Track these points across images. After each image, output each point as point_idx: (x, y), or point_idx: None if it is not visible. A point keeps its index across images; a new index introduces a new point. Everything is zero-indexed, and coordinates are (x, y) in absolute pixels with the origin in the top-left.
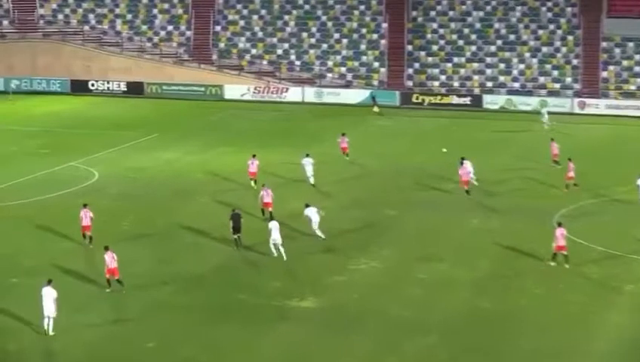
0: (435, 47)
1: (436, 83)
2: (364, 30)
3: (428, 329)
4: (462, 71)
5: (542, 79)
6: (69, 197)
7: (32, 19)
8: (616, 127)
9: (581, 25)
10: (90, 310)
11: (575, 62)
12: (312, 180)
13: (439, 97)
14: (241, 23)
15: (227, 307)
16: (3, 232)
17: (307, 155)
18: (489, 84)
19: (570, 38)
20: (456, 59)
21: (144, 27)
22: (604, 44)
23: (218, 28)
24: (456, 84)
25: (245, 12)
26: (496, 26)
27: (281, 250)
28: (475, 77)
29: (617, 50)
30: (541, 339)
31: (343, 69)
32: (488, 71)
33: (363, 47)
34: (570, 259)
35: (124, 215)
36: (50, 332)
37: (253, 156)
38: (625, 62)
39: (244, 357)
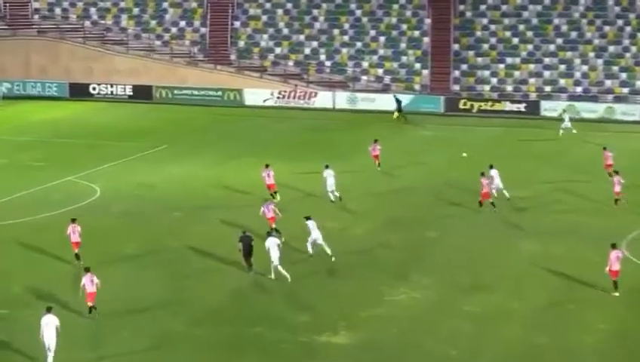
0: (485, 46)
1: (487, 87)
2: (404, 26)
3: None
4: (516, 73)
5: (608, 83)
6: (66, 216)
7: (26, 13)
8: None
9: None
10: (93, 342)
11: None
12: (332, 196)
13: (490, 103)
14: (264, 18)
15: (243, 342)
16: None
17: (327, 166)
18: (547, 88)
19: None
20: (509, 60)
21: (153, 23)
22: None
23: (237, 24)
24: (509, 88)
25: (268, 5)
26: (556, 21)
27: (281, 271)
28: (532, 80)
29: None
30: None
31: (380, 71)
32: (546, 73)
33: (403, 45)
34: (620, 285)
35: (128, 236)
36: None
37: (267, 166)
38: None
39: None
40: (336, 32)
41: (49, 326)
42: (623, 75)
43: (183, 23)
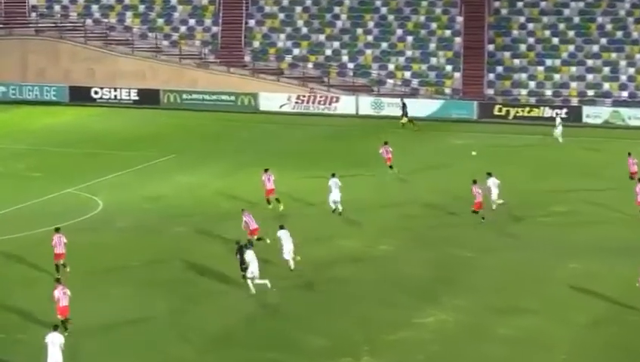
0: (522, 47)
1: (524, 91)
2: (433, 25)
3: None
4: (556, 76)
5: None
6: (66, 232)
7: (23, 11)
8: None
9: None
10: None
11: None
12: (332, 206)
13: (527, 109)
14: (281, 16)
15: None
16: None
17: (333, 175)
18: (590, 92)
19: None
20: (549, 62)
21: (160, 21)
22: None
23: (252, 22)
24: (548, 92)
25: (286, 2)
26: (600, 20)
27: (260, 282)
28: (573, 84)
29: None
30: None
31: (408, 74)
32: (589, 76)
33: (432, 46)
34: None
35: (133, 253)
36: None
37: (266, 170)
38: None
39: None
40: (359, 31)
41: (53, 345)
42: None
43: (192, 22)
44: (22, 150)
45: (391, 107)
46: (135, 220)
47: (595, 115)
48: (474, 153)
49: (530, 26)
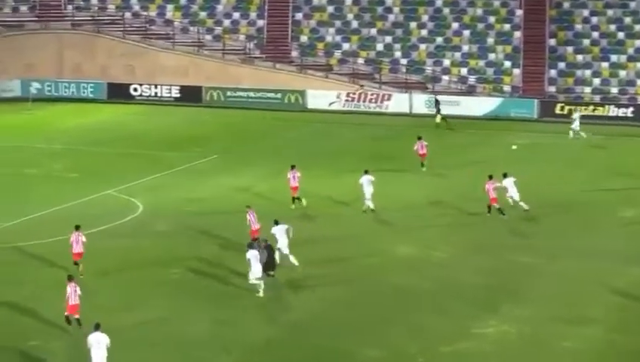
0: (586, 42)
1: (587, 89)
2: (492, 19)
3: None
4: (622, 73)
5: None
6: (103, 235)
7: (58, 4)
8: None
9: None
10: None
11: None
12: (367, 204)
13: (591, 108)
14: (330, 9)
15: None
16: (13, 281)
17: (366, 172)
18: None
19: None
20: (614, 58)
21: (203, 14)
22: None
23: (299, 15)
24: (614, 90)
25: None
26: None
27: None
28: None
29: None
30: None
31: (464, 71)
32: None
33: (490, 41)
34: None
35: (173, 259)
36: None
37: (293, 167)
38: None
39: None
40: (413, 25)
41: (98, 345)
42: None
43: (237, 15)
44: (57, 150)
45: (447, 105)
46: (176, 223)
47: None
48: (514, 147)
49: (594, 19)
